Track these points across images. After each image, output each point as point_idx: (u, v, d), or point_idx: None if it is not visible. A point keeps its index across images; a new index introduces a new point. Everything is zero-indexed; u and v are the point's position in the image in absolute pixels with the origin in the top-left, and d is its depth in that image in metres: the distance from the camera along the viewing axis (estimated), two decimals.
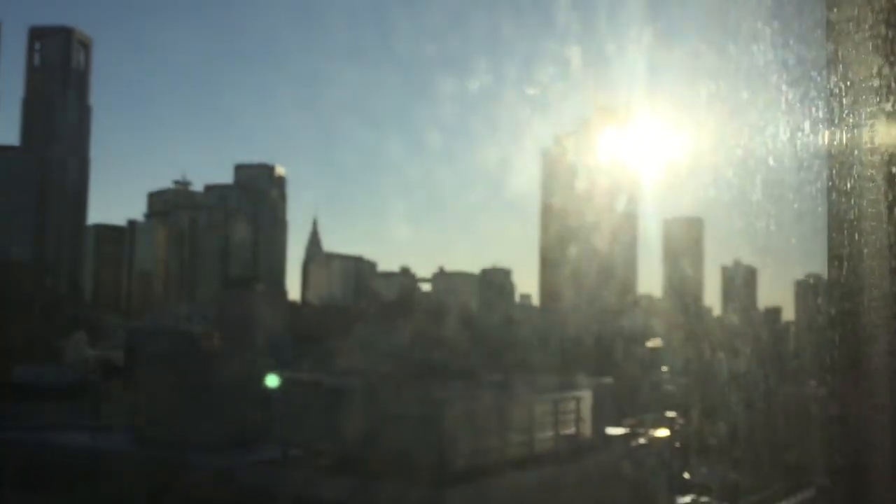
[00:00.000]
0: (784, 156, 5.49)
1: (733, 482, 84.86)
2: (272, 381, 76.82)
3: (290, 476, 58.01)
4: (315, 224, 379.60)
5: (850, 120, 4.10)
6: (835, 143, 4.35)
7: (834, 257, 4.26)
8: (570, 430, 66.64)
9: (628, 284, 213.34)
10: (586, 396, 69.81)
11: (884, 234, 3.77)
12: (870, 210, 3.91)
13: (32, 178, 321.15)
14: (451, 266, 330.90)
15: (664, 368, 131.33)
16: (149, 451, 66.34)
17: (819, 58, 4.44)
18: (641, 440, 76.63)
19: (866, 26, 4.10)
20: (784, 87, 5.07)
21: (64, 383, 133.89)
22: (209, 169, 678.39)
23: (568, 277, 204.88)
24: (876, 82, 3.93)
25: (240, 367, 79.95)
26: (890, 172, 3.80)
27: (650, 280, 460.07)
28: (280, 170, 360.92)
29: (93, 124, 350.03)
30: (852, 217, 3.97)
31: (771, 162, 5.87)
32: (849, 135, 4.25)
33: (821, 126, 4.47)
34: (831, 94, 4.35)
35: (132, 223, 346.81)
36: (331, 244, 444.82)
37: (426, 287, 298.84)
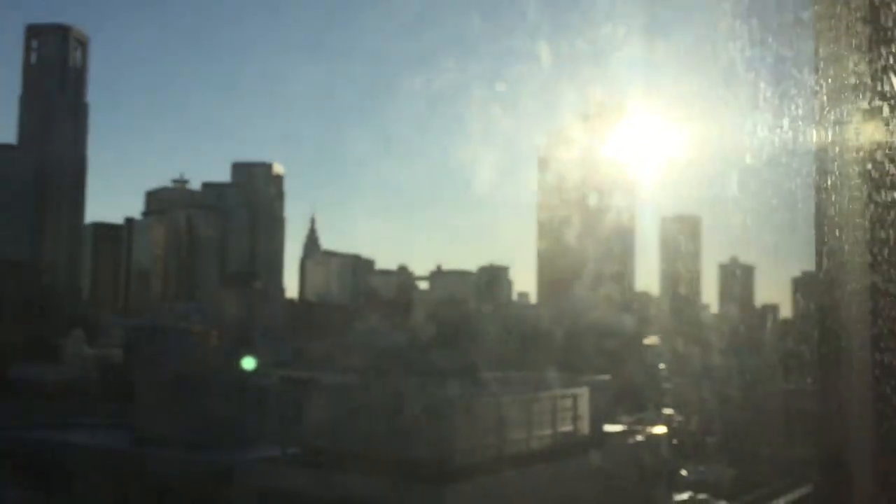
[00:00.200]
0: (781, 153, 5.54)
1: (731, 479, 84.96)
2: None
3: (288, 474, 58.05)
4: (313, 222, 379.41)
5: (832, 117, 4.15)
6: (820, 140, 4.41)
7: (820, 254, 4.32)
8: (568, 428, 66.68)
9: (626, 282, 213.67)
10: (584, 394, 69.85)
11: (864, 231, 3.83)
12: (850, 206, 3.97)
13: (30, 176, 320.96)
14: (449, 264, 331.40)
15: (661, 366, 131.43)
16: (147, 449, 66.38)
17: (810, 57, 4.50)
18: (639, 437, 76.63)
19: (854, 27, 4.15)
20: (779, 86, 5.13)
21: (62, 381, 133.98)
22: (207, 167, 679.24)
23: (565, 275, 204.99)
24: (853, 80, 3.99)
25: (238, 365, 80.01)
26: (868, 169, 3.86)
27: (648, 277, 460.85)
28: (278, 168, 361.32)
29: (90, 122, 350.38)
30: (833, 213, 4.03)
31: (767, 159, 5.92)
32: (833, 133, 4.31)
33: (813, 124, 4.52)
34: (817, 92, 4.41)
35: (130, 221, 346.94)
36: (328, 242, 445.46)
37: (423, 285, 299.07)
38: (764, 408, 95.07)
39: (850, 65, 3.97)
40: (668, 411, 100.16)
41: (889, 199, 3.65)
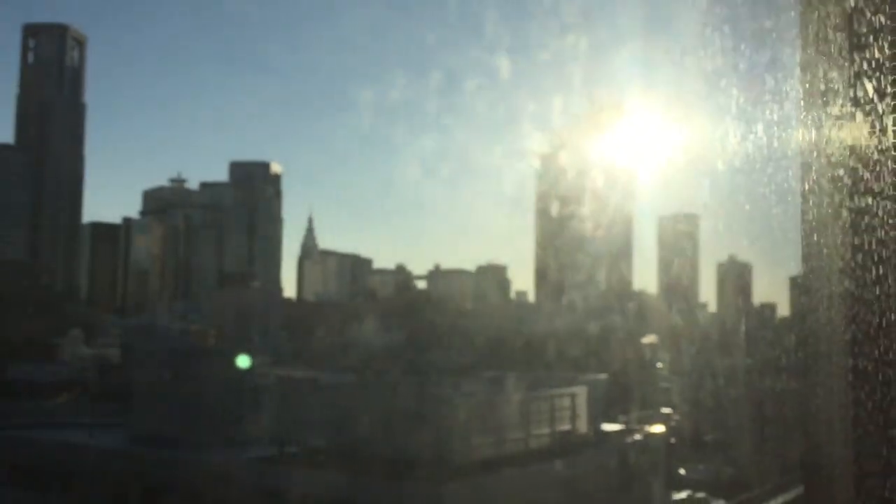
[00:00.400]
0: (777, 154, 5.59)
1: (729, 478, 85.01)
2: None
3: (286, 473, 58.06)
4: (311, 221, 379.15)
5: (809, 121, 4.19)
6: (801, 145, 4.45)
7: (804, 257, 4.37)
8: (566, 427, 66.76)
9: (624, 281, 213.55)
10: (582, 393, 69.94)
11: (839, 235, 3.86)
12: (829, 210, 4.01)
13: (27, 176, 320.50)
14: (447, 263, 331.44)
15: (659, 365, 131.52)
16: (144, 448, 66.36)
17: (793, 63, 4.55)
18: (637, 436, 76.70)
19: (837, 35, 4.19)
20: (776, 89, 5.18)
21: (59, 381, 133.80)
22: (205, 166, 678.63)
23: (563, 274, 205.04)
24: (834, 85, 4.02)
25: (235, 365, 79.94)
26: (841, 175, 3.89)
27: (645, 277, 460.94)
28: (276, 167, 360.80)
29: (87, 122, 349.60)
30: (811, 218, 4.07)
31: (765, 159, 5.97)
32: (815, 136, 4.35)
33: (796, 127, 4.56)
34: (802, 95, 4.45)
35: (128, 221, 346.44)
36: (326, 241, 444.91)
37: (422, 284, 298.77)
38: (761, 407, 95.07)
39: (831, 71, 4.01)
40: (665, 410, 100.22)
41: (863, 204, 3.69)
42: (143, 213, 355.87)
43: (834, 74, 3.88)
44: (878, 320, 3.81)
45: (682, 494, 78.91)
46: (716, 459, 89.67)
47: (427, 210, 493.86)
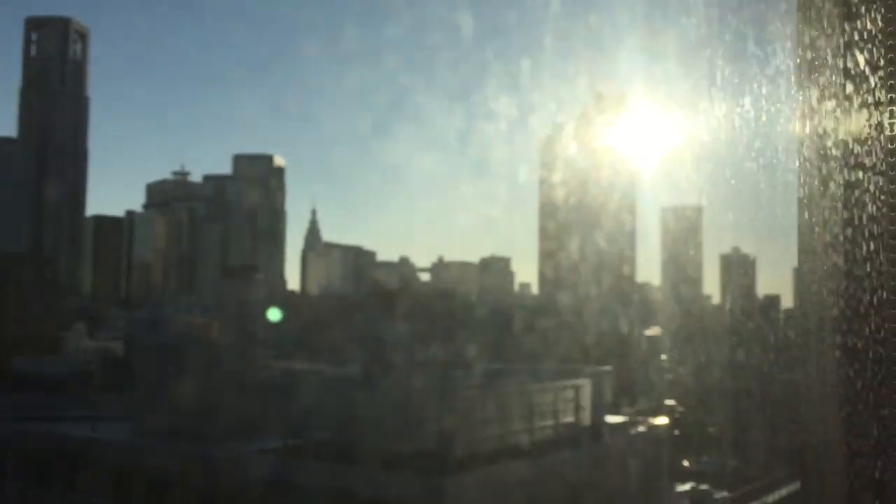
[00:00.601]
0: (781, 145, 5.51)
1: (733, 470, 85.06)
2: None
3: (290, 466, 58.04)
4: (314, 214, 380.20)
5: (816, 114, 4.11)
6: (805, 136, 4.36)
7: (801, 250, 4.28)
8: (570, 419, 66.59)
9: (627, 273, 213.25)
10: (585, 385, 69.73)
11: (829, 210, 3.78)
12: (820, 186, 3.92)
13: (30, 169, 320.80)
14: (451, 256, 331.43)
15: (663, 357, 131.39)
16: (149, 441, 66.36)
17: (793, 56, 4.45)
18: (641, 428, 76.58)
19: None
20: (779, 81, 5.09)
21: (64, 374, 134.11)
22: (208, 159, 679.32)
23: (567, 266, 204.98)
24: (826, 56, 3.94)
25: (239, 357, 79.92)
26: (835, 154, 3.81)
27: (649, 268, 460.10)
28: (279, 160, 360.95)
29: (90, 115, 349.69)
30: (803, 195, 3.98)
31: (769, 151, 5.89)
32: (817, 129, 4.26)
33: (807, 119, 4.48)
34: (803, 66, 4.35)
35: (131, 214, 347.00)
36: (330, 234, 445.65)
37: (426, 276, 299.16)
38: (765, 398, 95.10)
39: (819, 40, 3.92)
40: (669, 402, 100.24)
41: (853, 178, 3.61)
42: (147, 206, 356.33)
43: (822, 43, 3.78)
44: (869, 297, 3.70)
45: (686, 486, 78.98)
46: (720, 451, 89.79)
47: (431, 202, 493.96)
